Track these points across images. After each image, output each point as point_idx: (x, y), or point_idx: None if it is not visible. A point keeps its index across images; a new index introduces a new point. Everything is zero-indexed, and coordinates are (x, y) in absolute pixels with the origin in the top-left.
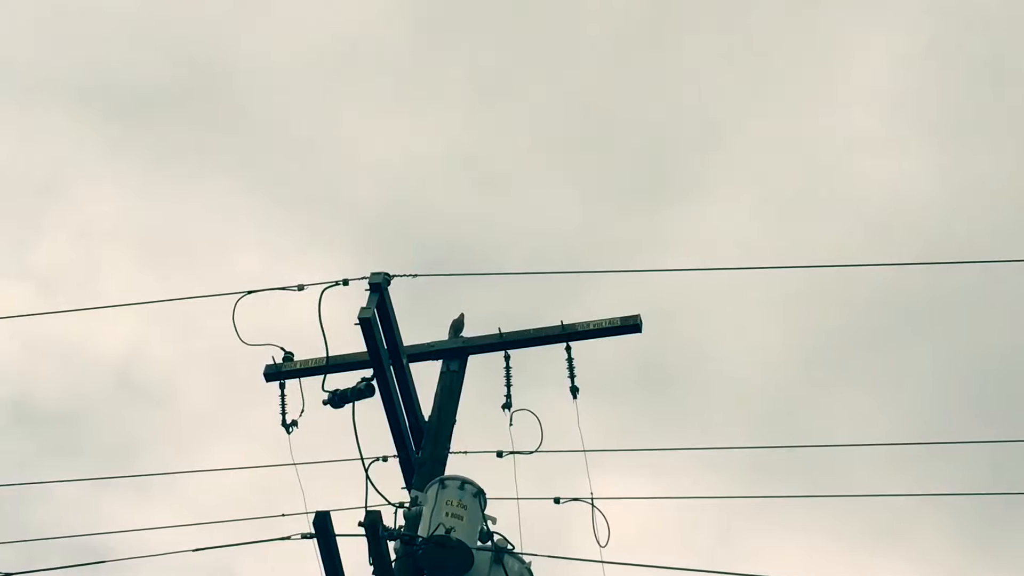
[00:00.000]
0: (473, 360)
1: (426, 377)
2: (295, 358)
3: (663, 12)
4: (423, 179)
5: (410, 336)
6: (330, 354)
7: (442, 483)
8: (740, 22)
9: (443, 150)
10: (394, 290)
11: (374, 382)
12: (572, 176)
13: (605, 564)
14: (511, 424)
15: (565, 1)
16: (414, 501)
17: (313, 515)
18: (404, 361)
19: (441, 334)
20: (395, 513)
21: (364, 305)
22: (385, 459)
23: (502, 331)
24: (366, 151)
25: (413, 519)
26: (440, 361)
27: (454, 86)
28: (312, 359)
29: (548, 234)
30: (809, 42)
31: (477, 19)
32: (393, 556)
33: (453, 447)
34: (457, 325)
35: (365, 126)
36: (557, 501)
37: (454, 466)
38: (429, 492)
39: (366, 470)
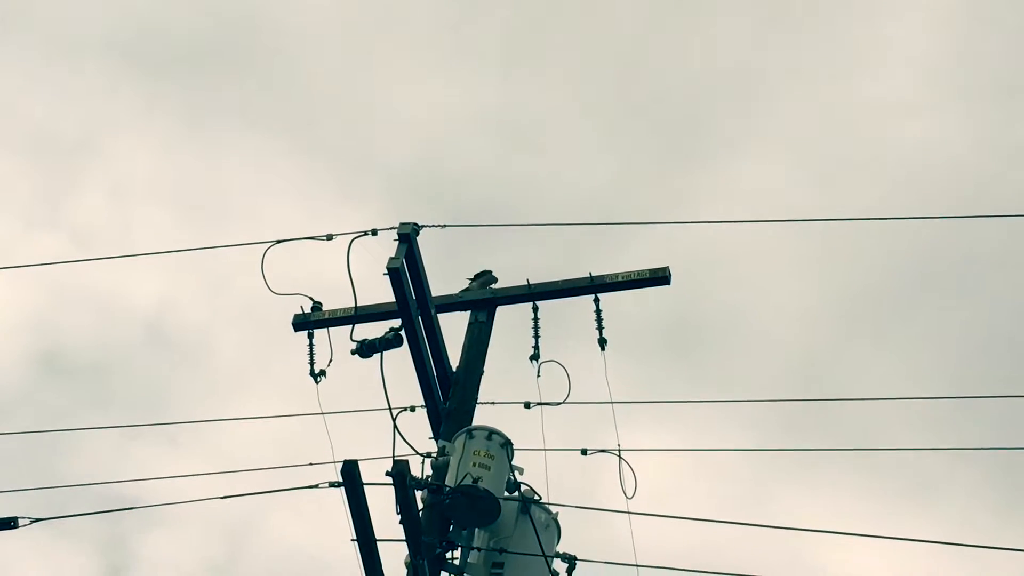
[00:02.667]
0: (501, 312)
1: (455, 328)
2: (324, 308)
3: None
4: (456, 135)
5: (439, 287)
6: (359, 304)
7: (470, 433)
8: None
9: (476, 107)
10: (424, 242)
11: (402, 332)
12: (606, 134)
13: (632, 515)
14: (539, 375)
15: None
16: (441, 451)
17: (341, 464)
18: (432, 311)
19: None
20: (423, 463)
21: (393, 255)
22: (413, 409)
23: (530, 282)
24: (399, 106)
25: (440, 469)
26: (468, 312)
27: (488, 44)
28: (341, 309)
29: (580, 190)
30: (845, 4)
31: None
32: (420, 505)
33: (480, 398)
34: (484, 280)
35: (398, 81)
36: (584, 452)
37: (481, 417)
38: (457, 442)
39: (394, 420)
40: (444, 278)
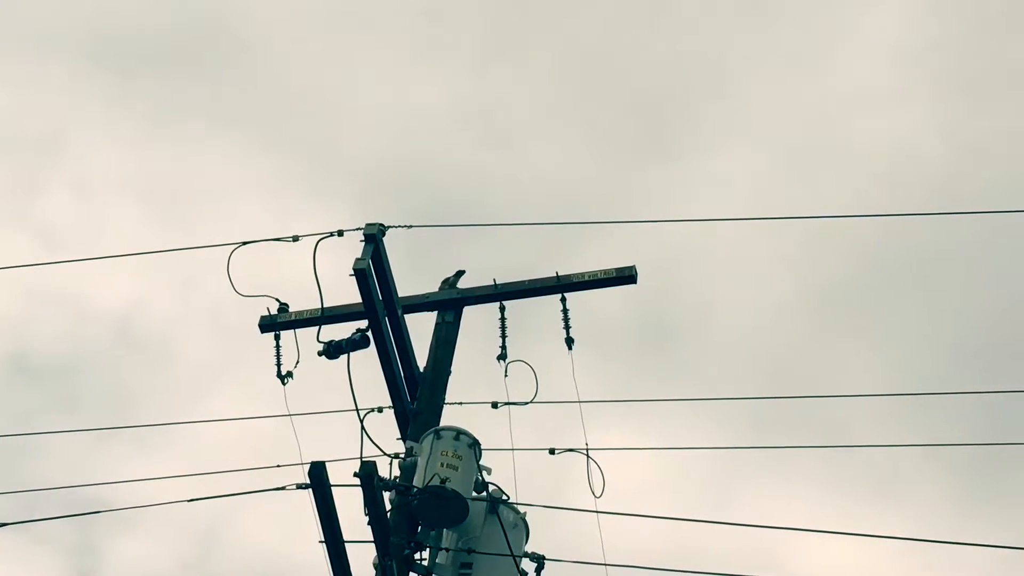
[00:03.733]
0: (469, 312)
1: (422, 329)
2: (290, 309)
3: None
4: (425, 133)
5: (407, 287)
6: (325, 305)
7: (437, 434)
8: None
9: (447, 104)
10: (392, 242)
11: (369, 333)
12: (573, 131)
13: (600, 514)
14: (506, 375)
15: None
16: (409, 452)
17: (308, 466)
18: (399, 312)
19: (437, 285)
20: (390, 464)
21: (359, 256)
22: (380, 410)
23: (497, 282)
24: (369, 103)
25: (408, 469)
26: (435, 312)
27: (460, 40)
28: (307, 310)
29: (549, 188)
30: None
31: None
32: (388, 506)
33: (448, 398)
34: (452, 281)
35: (368, 78)
36: (552, 452)
37: (449, 417)
38: (424, 443)
39: (361, 421)
40: (412, 278)
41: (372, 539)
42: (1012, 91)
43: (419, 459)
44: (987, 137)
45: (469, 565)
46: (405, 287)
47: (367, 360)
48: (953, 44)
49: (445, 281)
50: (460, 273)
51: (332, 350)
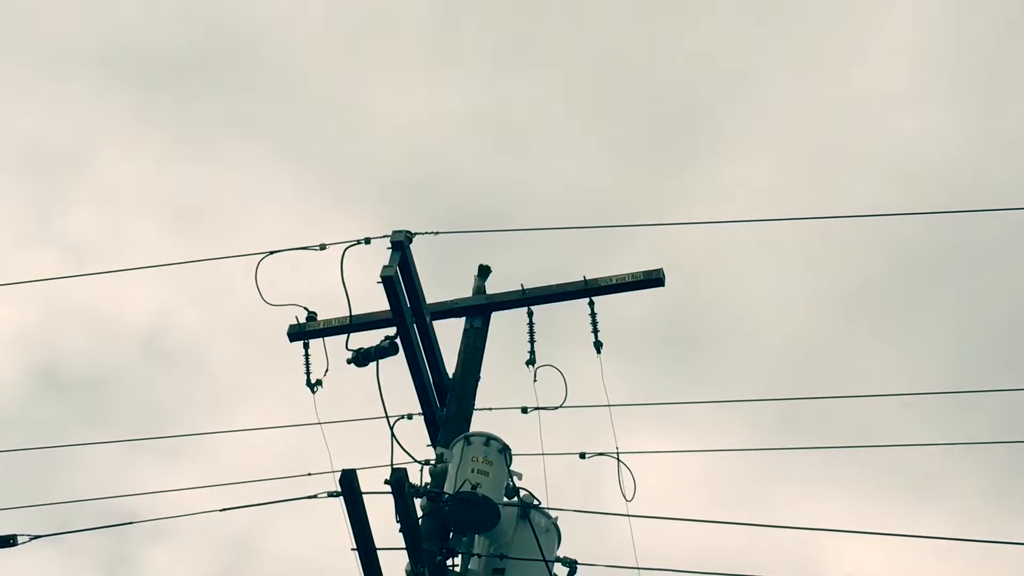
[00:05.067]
0: (497, 317)
1: (450, 335)
2: (318, 318)
3: None
4: (448, 140)
5: (435, 293)
6: (353, 313)
7: (467, 440)
8: None
9: (468, 111)
10: (418, 249)
11: (398, 340)
12: (596, 136)
13: (632, 518)
14: (535, 380)
15: None
16: (439, 458)
17: (339, 473)
18: (427, 318)
19: (465, 292)
20: (421, 470)
21: (386, 263)
22: (410, 417)
23: (524, 287)
24: (390, 112)
25: (439, 476)
26: (463, 318)
27: (478, 46)
28: (335, 318)
29: (573, 192)
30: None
31: None
32: (420, 513)
33: (477, 404)
34: (478, 284)
35: (389, 87)
36: (583, 456)
37: (479, 423)
38: (454, 449)
39: (391, 428)
40: (439, 285)
41: (404, 546)
42: None
43: (449, 465)
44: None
45: (502, 571)
46: (433, 294)
47: (396, 367)
48: (974, 43)
49: (480, 273)
50: (485, 269)
51: (361, 358)
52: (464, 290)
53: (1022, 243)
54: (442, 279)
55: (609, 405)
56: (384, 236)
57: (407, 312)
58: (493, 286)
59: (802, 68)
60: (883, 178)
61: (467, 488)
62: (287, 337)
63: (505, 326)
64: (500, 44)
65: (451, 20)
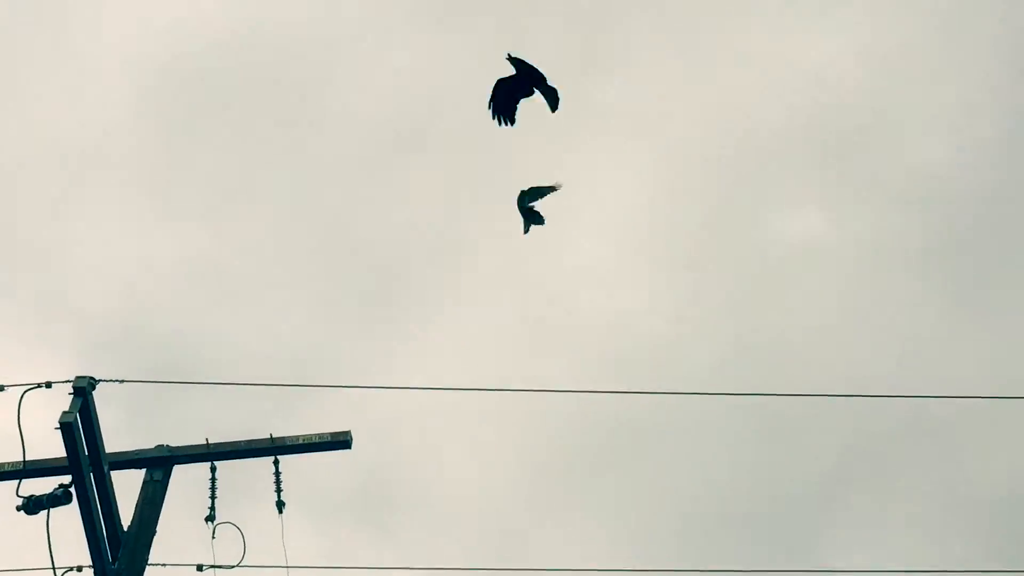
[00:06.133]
0: (181, 470)
1: (131, 484)
2: None
3: (401, 132)
4: (154, 286)
5: (121, 442)
6: (29, 459)
7: None
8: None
9: (179, 256)
10: (108, 397)
11: (72, 489)
12: (304, 289)
13: None
14: (214, 537)
15: (309, 108)
16: None
17: None
18: (105, 468)
19: (155, 441)
20: None
21: (67, 409)
22: (80, 569)
23: (209, 442)
24: (98, 251)
25: None
26: (144, 470)
27: (193, 190)
28: (8, 463)
29: (273, 348)
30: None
31: (218, 125)
32: None
33: (152, 559)
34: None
35: (99, 226)
36: None
37: None
38: None
39: None
40: (128, 433)
41: None
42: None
43: None
44: (702, 314)
45: None
46: (118, 443)
47: (71, 517)
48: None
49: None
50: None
51: (32, 505)
52: (152, 440)
53: (712, 422)
54: (131, 427)
55: (288, 567)
56: (66, 381)
57: (84, 461)
58: (179, 438)
59: (507, 242)
60: (581, 350)
61: None
62: None
63: (189, 479)
64: (216, 189)
65: (168, 162)
